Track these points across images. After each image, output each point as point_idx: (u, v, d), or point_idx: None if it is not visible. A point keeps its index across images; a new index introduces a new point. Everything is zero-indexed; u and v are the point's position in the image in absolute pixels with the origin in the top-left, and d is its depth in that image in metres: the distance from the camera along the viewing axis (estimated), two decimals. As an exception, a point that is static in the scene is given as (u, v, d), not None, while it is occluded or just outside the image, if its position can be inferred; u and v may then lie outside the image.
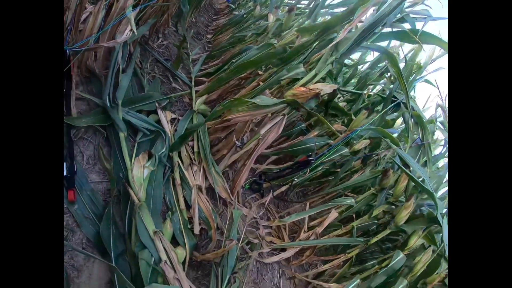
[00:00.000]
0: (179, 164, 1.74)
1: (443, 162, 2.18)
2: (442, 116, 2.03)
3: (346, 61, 2.75)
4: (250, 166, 1.91)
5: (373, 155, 2.38)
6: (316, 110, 2.48)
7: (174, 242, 1.40)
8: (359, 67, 2.74)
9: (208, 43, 2.84)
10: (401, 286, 1.53)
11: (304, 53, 1.77)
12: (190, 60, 2.41)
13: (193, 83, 2.19)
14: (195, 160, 1.88)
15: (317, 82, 1.72)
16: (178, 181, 1.66)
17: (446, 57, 2.09)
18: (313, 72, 1.66)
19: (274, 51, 1.78)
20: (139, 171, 1.45)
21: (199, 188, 1.71)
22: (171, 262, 1.27)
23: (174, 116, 1.95)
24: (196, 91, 2.14)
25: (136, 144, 1.61)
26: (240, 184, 1.96)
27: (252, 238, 1.86)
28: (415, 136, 1.98)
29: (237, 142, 1.88)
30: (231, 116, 1.74)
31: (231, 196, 1.87)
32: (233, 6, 3.76)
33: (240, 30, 2.67)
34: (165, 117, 1.86)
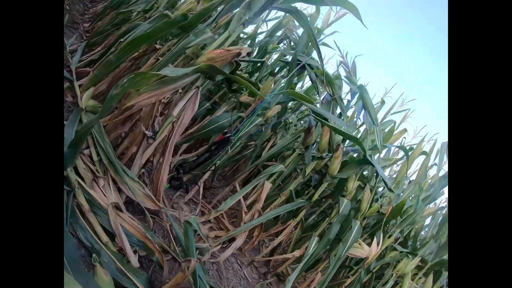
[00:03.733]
0: (79, 184, 1.28)
1: (351, 111, 2.37)
2: (344, 72, 2.20)
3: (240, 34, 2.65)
4: (169, 158, 1.60)
5: (281, 121, 2.40)
6: (217, 86, 2.31)
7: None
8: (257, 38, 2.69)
9: (86, 32, 2.28)
10: (356, 227, 1.60)
11: (207, 18, 1.56)
12: (67, 51, 1.83)
13: (74, 76, 1.65)
14: (98, 172, 1.44)
15: (229, 45, 1.54)
16: (86, 206, 1.26)
17: (341, 21, 2.23)
18: (225, 34, 1.47)
19: (173, 19, 1.49)
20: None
21: (116, 207, 1.32)
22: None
23: (55, 119, 1.42)
24: (80, 85, 1.62)
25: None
26: (163, 184, 1.63)
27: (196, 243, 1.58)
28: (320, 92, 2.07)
29: (147, 132, 1.53)
30: (133, 101, 1.39)
31: (157, 202, 1.53)
32: None
33: (123, 11, 2.17)
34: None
